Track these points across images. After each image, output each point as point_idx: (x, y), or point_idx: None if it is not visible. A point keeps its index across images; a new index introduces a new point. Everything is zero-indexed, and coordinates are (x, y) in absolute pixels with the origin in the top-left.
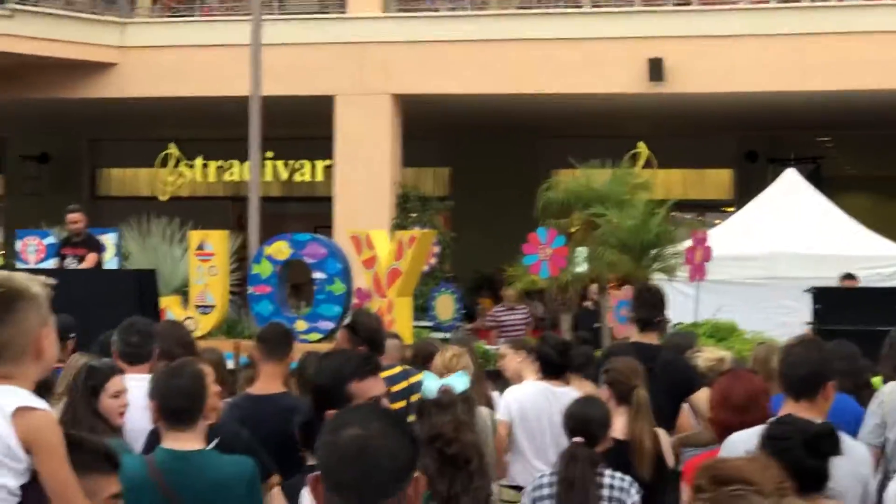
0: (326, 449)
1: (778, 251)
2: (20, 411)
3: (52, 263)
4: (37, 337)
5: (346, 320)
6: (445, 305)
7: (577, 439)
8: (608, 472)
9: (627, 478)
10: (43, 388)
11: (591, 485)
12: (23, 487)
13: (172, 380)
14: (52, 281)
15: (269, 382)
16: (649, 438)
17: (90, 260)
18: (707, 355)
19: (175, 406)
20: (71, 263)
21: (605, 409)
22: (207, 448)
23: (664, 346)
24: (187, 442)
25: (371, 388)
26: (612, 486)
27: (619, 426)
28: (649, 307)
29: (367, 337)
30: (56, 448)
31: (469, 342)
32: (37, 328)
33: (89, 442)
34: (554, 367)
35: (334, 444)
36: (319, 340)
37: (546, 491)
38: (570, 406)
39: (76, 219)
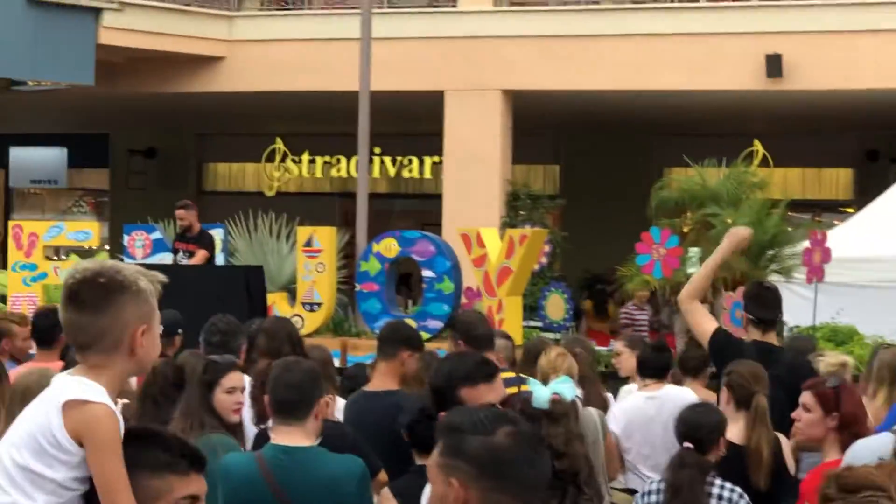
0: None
1: None
2: (71, 403)
3: (161, 258)
4: (133, 332)
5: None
6: (556, 305)
7: (687, 445)
8: (718, 481)
9: (737, 489)
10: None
11: (699, 492)
12: (88, 480)
13: (285, 374)
14: (163, 278)
15: (381, 380)
16: (767, 446)
17: (200, 256)
18: (829, 360)
19: (286, 399)
20: (182, 258)
21: (719, 416)
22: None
23: (785, 349)
24: (296, 438)
25: (484, 394)
26: (720, 497)
27: (736, 431)
28: (769, 306)
29: (464, 332)
30: (106, 442)
31: (582, 343)
32: (135, 322)
33: (168, 439)
34: (651, 370)
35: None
36: (428, 340)
37: (654, 498)
38: (683, 411)
39: (182, 215)
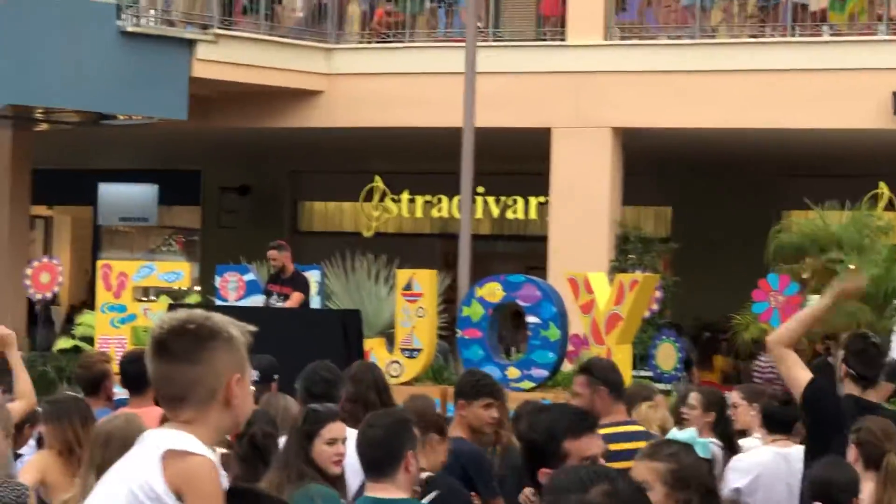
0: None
1: None
2: (171, 455)
3: (255, 300)
4: (228, 382)
5: (581, 365)
6: (667, 355)
7: None
8: None
9: None
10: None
11: None
12: None
13: (369, 430)
14: (252, 328)
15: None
16: None
17: (295, 299)
18: None
19: (372, 457)
20: (276, 301)
21: (852, 473)
22: (422, 501)
23: (886, 408)
24: (389, 491)
25: (588, 446)
26: None
27: (866, 493)
28: (873, 363)
29: (605, 378)
30: (207, 497)
31: (691, 389)
32: (229, 372)
33: (263, 497)
34: (779, 424)
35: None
36: (532, 389)
37: None
38: (814, 468)
39: (276, 256)
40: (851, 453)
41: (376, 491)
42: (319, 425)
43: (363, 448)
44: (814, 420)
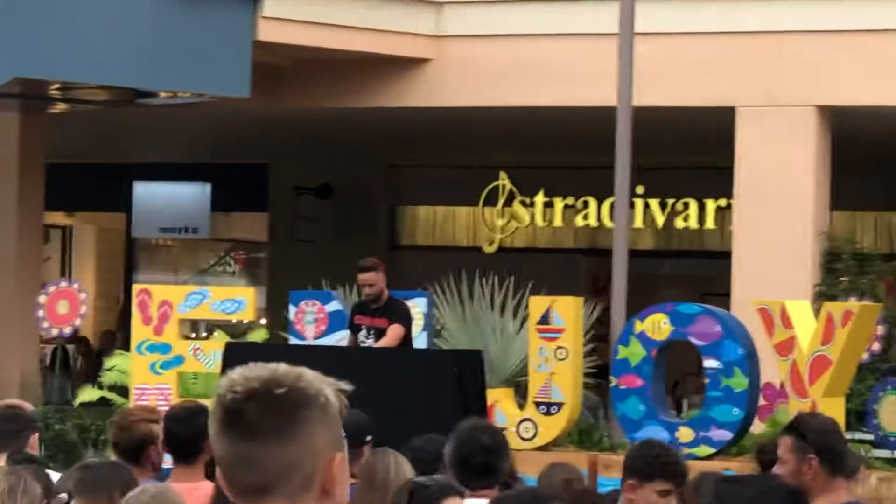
0: None
1: None
2: None
3: (338, 338)
4: (328, 464)
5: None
6: (894, 411)
7: None
8: None
9: None
10: None
11: None
12: None
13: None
14: (347, 387)
15: None
16: None
17: (392, 335)
18: None
19: None
20: (366, 338)
21: None
22: None
23: None
24: None
25: None
26: None
27: None
28: None
29: (819, 442)
30: None
31: None
32: (327, 451)
33: None
34: None
35: None
36: (711, 456)
37: None
38: None
39: (370, 279)
40: None
41: None
42: (432, 502)
43: None
44: None
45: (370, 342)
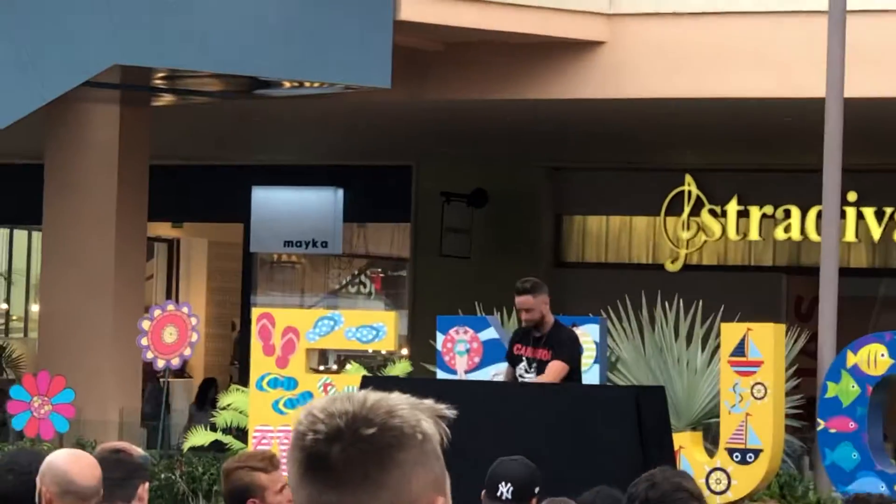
0: None
1: None
2: None
3: (494, 372)
4: None
5: None
6: None
7: None
8: None
9: None
10: None
11: None
12: None
13: None
14: (450, 413)
15: None
16: None
17: (552, 372)
18: None
19: None
20: (526, 372)
21: None
22: None
23: None
24: None
25: None
26: None
27: None
28: None
29: None
30: None
31: None
32: (428, 495)
33: None
34: None
35: None
36: None
37: None
38: None
39: (527, 303)
40: None
41: None
42: None
43: None
44: None
45: (531, 377)
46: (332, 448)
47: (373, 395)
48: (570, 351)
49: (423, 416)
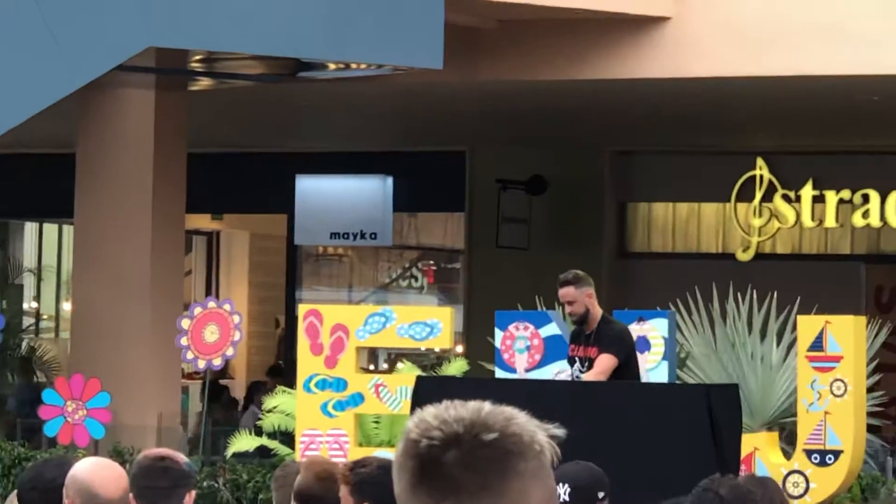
0: None
1: None
2: None
3: (556, 370)
4: None
5: None
6: None
7: None
8: None
9: None
10: None
11: None
12: None
13: None
14: (560, 432)
15: None
16: None
17: (598, 368)
18: None
19: None
20: (580, 373)
21: None
22: None
23: None
24: None
25: None
26: None
27: None
28: None
29: None
30: None
31: None
32: None
33: None
34: None
35: None
36: None
37: None
38: None
39: (569, 295)
40: None
41: None
42: None
43: None
44: None
45: (580, 375)
46: (448, 455)
47: (488, 405)
48: (619, 344)
49: (539, 430)
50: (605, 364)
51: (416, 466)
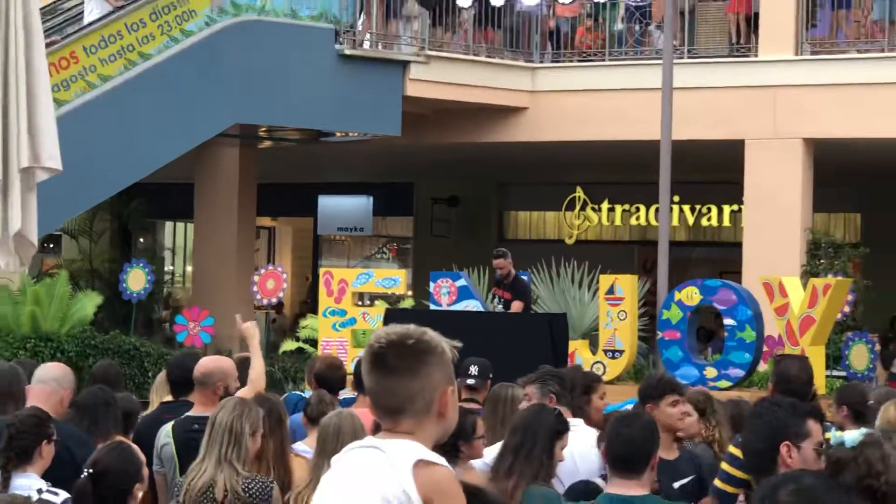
0: None
1: None
2: (421, 464)
3: (466, 305)
4: (442, 395)
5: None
6: (860, 355)
7: None
8: None
9: None
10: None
11: None
12: None
13: (624, 429)
14: (458, 344)
15: None
16: None
17: (515, 307)
18: None
19: (623, 454)
20: (497, 304)
21: None
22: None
23: None
24: (633, 489)
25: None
26: None
27: None
28: None
29: (784, 386)
30: (456, 501)
31: (891, 393)
32: (444, 384)
33: (485, 496)
34: None
35: None
36: (729, 388)
37: None
38: None
39: (501, 264)
40: None
41: (620, 488)
42: (568, 427)
43: (616, 446)
44: None
45: (499, 308)
46: (388, 350)
47: (413, 326)
48: (526, 294)
49: (443, 341)
50: (520, 307)
51: (371, 358)
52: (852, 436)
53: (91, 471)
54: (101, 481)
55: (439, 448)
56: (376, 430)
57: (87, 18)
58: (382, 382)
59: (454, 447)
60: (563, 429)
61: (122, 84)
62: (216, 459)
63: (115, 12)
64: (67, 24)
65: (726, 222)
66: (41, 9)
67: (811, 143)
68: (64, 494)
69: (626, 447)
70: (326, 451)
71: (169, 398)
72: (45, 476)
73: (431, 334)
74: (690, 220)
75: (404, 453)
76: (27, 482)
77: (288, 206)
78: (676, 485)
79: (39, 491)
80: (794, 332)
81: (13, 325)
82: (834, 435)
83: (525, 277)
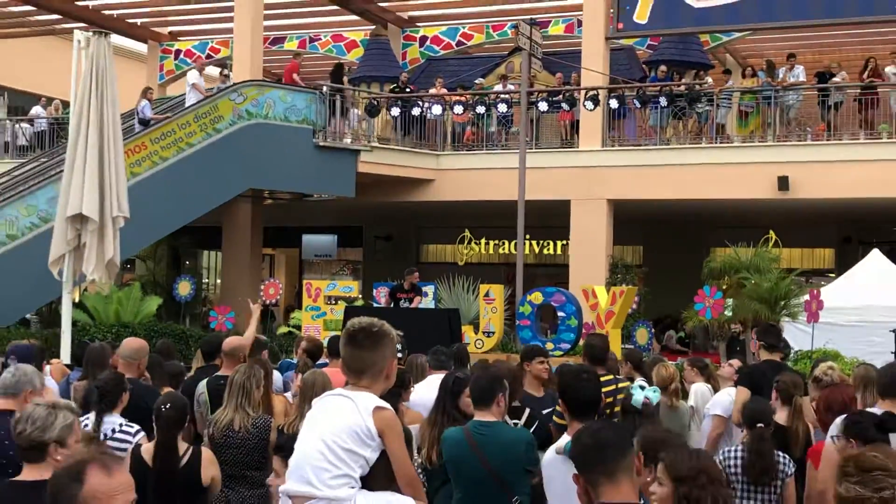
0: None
1: (870, 304)
2: (377, 409)
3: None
4: (389, 363)
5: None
6: (642, 336)
7: (760, 425)
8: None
9: (786, 456)
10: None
11: (771, 456)
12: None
13: (480, 377)
14: (399, 333)
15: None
16: (803, 430)
17: (416, 302)
18: (822, 367)
19: (478, 394)
20: (405, 303)
21: (770, 407)
22: (502, 421)
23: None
24: (487, 416)
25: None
26: (778, 462)
27: (782, 418)
28: (775, 336)
29: (590, 354)
30: (399, 435)
31: (660, 359)
32: (391, 357)
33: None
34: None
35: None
36: (561, 356)
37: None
38: (748, 404)
39: (415, 276)
40: (774, 394)
41: (481, 416)
42: (464, 386)
43: (474, 388)
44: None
45: (406, 305)
46: (359, 332)
47: (375, 319)
48: (422, 294)
49: (392, 330)
50: (418, 301)
51: (347, 337)
52: (638, 397)
53: (167, 405)
54: (170, 409)
55: (388, 394)
56: (346, 385)
57: (188, 103)
58: (353, 353)
59: (398, 394)
60: (460, 389)
61: (175, 163)
62: (234, 406)
63: (205, 99)
64: (168, 109)
65: (559, 251)
66: (122, 114)
67: (612, 202)
68: (136, 427)
69: (478, 390)
70: (307, 396)
71: (201, 364)
72: (127, 417)
73: (386, 325)
74: (536, 250)
75: (366, 401)
76: (112, 420)
77: (282, 241)
78: (545, 412)
79: (120, 425)
80: (601, 320)
81: (104, 318)
82: (635, 394)
83: (431, 286)
